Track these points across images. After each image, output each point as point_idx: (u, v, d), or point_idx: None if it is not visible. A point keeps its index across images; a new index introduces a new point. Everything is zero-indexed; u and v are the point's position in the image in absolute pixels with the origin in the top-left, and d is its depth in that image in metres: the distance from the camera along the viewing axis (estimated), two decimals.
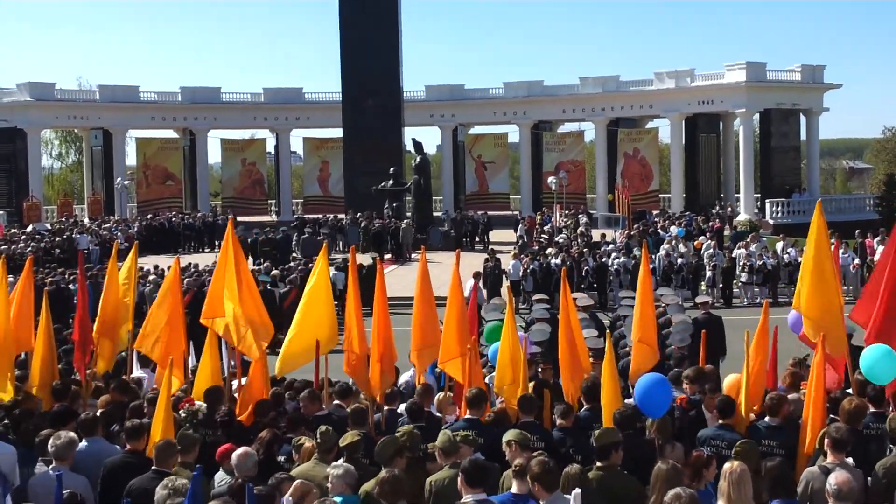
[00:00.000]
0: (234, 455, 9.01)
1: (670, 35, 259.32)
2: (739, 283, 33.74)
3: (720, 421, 10.21)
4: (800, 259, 29.15)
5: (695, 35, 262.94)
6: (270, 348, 12.68)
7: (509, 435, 9.37)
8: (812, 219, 11.40)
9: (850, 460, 8.81)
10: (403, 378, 13.53)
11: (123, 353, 15.03)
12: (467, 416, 10.62)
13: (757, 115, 56.91)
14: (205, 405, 11.41)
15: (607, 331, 18.76)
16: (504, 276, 32.73)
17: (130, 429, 9.95)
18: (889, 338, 10.75)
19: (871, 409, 10.37)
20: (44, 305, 13.04)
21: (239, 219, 52.58)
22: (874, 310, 11.16)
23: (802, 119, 57.14)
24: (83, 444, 9.91)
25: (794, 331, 12.84)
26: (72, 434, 9.65)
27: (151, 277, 28.13)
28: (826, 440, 8.81)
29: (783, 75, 55.94)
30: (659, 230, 41.21)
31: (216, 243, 48.08)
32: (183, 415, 10.92)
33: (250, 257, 40.57)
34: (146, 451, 9.81)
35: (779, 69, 56.00)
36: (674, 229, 40.37)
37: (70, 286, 27.02)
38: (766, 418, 10.29)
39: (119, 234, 45.70)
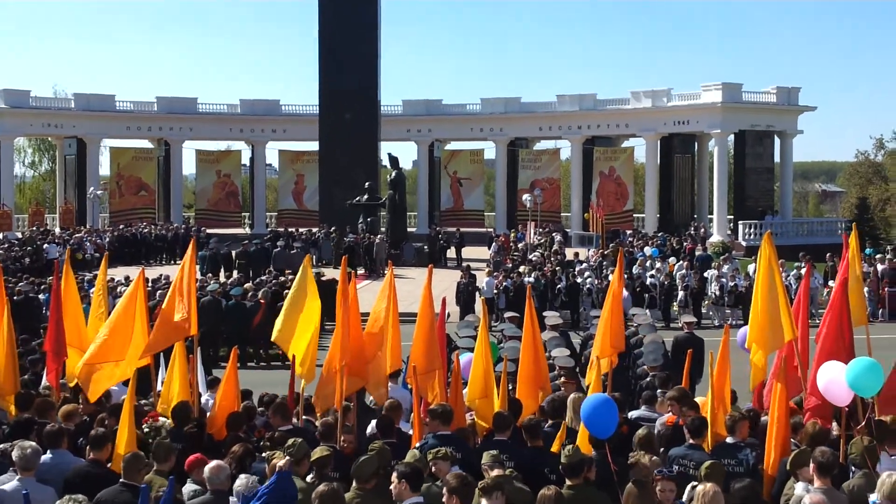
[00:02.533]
0: (207, 468, 8.92)
1: (647, 55, 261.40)
2: (709, 305, 33.84)
3: (690, 441, 10.25)
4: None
5: (672, 55, 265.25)
6: (241, 362, 12.57)
7: (485, 458, 9.38)
8: (761, 247, 11.53)
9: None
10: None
11: None
12: (439, 432, 10.57)
13: (732, 136, 57.24)
14: (168, 422, 11.30)
15: (577, 350, 18.85)
16: (478, 293, 32.76)
17: (94, 438, 9.84)
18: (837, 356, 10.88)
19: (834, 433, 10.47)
20: (6, 315, 12.88)
21: (212, 231, 52.81)
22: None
23: (777, 141, 57.52)
24: (47, 456, 9.79)
25: (741, 347, 12.89)
26: (35, 444, 9.54)
27: (121, 290, 27.83)
28: (812, 465, 8.78)
29: (758, 97, 56.30)
30: (633, 250, 41.31)
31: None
32: (146, 430, 10.80)
33: (223, 270, 40.41)
34: (110, 462, 9.72)
35: (754, 91, 56.39)
36: (648, 249, 40.45)
37: (40, 296, 26.79)
38: (728, 438, 10.35)
39: (89, 244, 45.42)
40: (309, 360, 12.32)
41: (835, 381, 10.29)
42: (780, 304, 11.35)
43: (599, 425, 10.01)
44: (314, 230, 50.33)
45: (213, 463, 9.01)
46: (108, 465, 9.85)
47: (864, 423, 10.42)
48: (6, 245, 43.59)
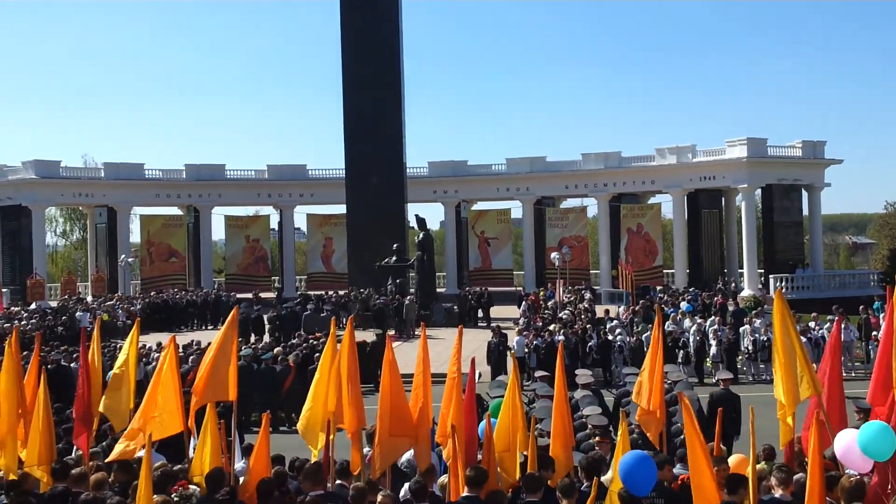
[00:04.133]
0: None
1: (671, 111, 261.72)
2: (744, 360, 33.52)
3: (727, 497, 10.10)
4: (807, 336, 29.08)
5: (696, 111, 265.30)
6: (273, 427, 12.56)
7: None
8: (774, 306, 11.39)
9: None
10: (406, 457, 13.38)
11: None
12: (466, 493, 10.48)
13: (759, 191, 57.08)
14: (198, 489, 11.27)
15: (612, 408, 18.70)
16: (509, 353, 32.64)
17: None
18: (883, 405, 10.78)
19: None
20: (42, 384, 12.97)
21: (242, 295, 52.92)
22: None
23: (804, 194, 57.33)
24: None
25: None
26: None
27: (155, 356, 27.91)
28: None
29: (784, 151, 56.21)
30: (663, 306, 41.06)
31: (220, 320, 48.06)
32: (176, 498, 10.74)
33: (253, 334, 40.47)
34: None
35: (780, 145, 56.29)
36: (683, 305, 40.22)
37: (71, 364, 26.88)
38: (779, 493, 10.18)
39: (121, 311, 45.71)
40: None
41: (850, 448, 10.19)
42: (799, 359, 11.24)
43: (637, 483, 9.93)
44: (341, 293, 50.39)
45: None
46: None
47: None
48: (39, 314, 43.92)
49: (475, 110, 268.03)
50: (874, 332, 33.26)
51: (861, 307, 37.22)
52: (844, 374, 12.84)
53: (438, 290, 55.77)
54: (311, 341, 31.37)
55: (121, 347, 25.68)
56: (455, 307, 47.60)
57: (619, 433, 10.82)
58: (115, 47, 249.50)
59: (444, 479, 11.85)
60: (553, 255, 53.47)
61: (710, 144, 57.31)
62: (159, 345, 29.92)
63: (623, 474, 10.05)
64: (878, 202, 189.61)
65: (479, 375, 28.95)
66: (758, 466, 10.86)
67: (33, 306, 48.90)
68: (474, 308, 48.84)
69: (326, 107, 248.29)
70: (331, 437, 12.54)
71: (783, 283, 52.19)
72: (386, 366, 12.42)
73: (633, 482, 9.97)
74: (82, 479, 11.62)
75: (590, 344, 32.78)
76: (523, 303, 47.25)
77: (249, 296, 53.07)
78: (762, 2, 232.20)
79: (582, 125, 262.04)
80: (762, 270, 56.03)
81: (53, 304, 52.20)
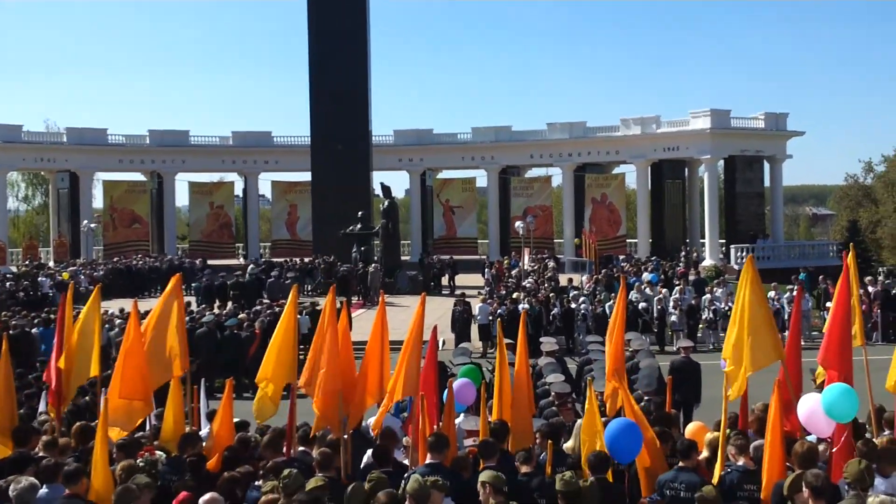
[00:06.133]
0: (202, 501, 8.90)
1: (636, 82, 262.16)
2: (704, 328, 33.81)
3: (680, 463, 10.22)
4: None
5: (660, 82, 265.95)
6: (237, 393, 12.55)
7: (484, 476, 9.31)
8: (744, 270, 11.29)
9: None
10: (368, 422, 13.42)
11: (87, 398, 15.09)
12: (429, 460, 10.53)
13: (721, 162, 57.47)
14: (164, 455, 11.30)
15: (574, 376, 18.86)
16: (473, 321, 32.74)
17: (67, 473, 9.78)
18: (837, 368, 10.93)
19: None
20: (4, 349, 12.91)
21: (211, 262, 52.53)
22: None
23: (766, 166, 57.75)
24: (43, 490, 9.74)
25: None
26: (32, 479, 9.52)
27: (118, 322, 27.71)
28: (805, 489, 8.71)
29: (747, 123, 56.58)
30: (626, 275, 41.22)
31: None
32: (141, 464, 10.77)
33: (217, 301, 40.31)
34: (87, 495, 9.68)
35: (743, 116, 56.70)
36: (646, 275, 40.43)
37: (34, 330, 26.72)
38: (741, 461, 10.30)
39: (83, 277, 45.34)
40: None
41: (815, 412, 10.28)
42: (766, 325, 11.13)
43: (623, 451, 10.11)
44: (305, 260, 50.26)
45: (209, 495, 8.97)
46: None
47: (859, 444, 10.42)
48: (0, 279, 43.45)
49: (441, 79, 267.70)
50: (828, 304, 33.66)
51: (821, 277, 37.68)
52: (803, 343, 12.93)
53: (403, 257, 55.78)
54: (275, 308, 31.32)
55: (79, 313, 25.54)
56: (419, 275, 47.64)
57: (587, 400, 10.91)
58: (78, 11, 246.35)
59: (406, 439, 11.94)
60: (517, 223, 53.45)
61: (675, 115, 57.66)
62: (122, 311, 29.70)
63: (609, 443, 10.18)
64: (839, 174, 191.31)
65: (443, 343, 29.12)
66: (717, 434, 11.01)
67: None
68: (437, 276, 48.85)
69: (292, 74, 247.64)
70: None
71: (744, 254, 52.61)
72: (340, 331, 12.44)
73: (618, 450, 10.16)
74: (52, 445, 11.58)
75: (553, 312, 32.94)
76: (487, 271, 47.34)
77: (248, 262, 53.01)
78: None
79: (548, 95, 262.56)
80: (723, 241, 56.45)
81: (14, 269, 51.68)
